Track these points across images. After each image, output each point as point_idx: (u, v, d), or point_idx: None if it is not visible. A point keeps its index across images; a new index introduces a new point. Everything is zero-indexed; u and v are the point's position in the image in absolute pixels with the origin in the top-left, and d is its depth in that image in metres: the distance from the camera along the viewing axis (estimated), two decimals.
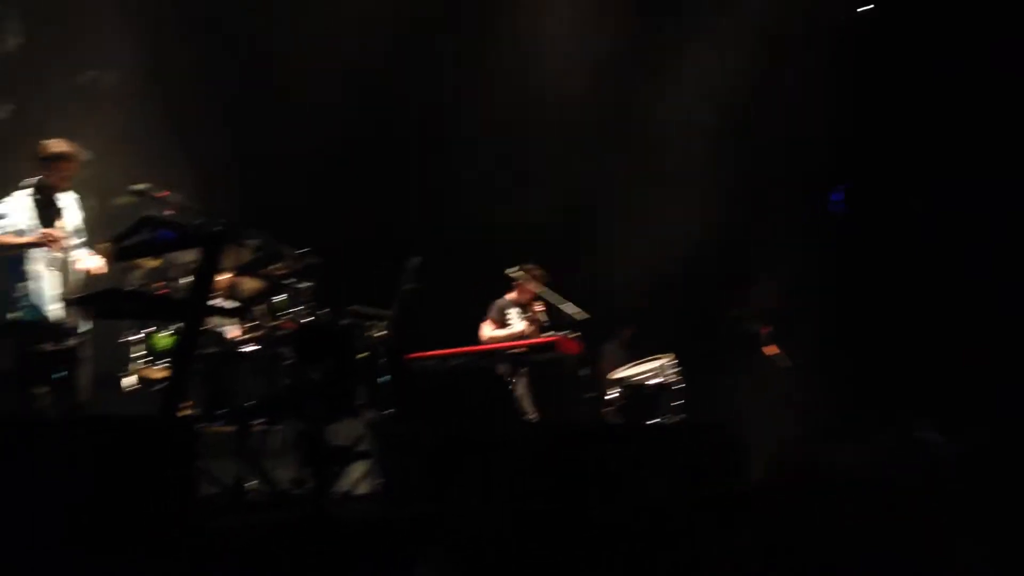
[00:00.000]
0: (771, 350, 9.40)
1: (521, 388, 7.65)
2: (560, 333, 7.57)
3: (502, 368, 7.54)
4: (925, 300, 9.67)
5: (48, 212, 5.63)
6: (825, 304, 10.36)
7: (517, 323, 8.01)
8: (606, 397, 8.68)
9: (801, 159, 10.44)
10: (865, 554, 4.13)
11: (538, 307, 8.09)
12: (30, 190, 5.62)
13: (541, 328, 8.04)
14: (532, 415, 7.58)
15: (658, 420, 8.42)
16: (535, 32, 10.02)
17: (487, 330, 7.95)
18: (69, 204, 5.78)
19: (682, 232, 10.22)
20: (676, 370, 8.71)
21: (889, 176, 10.41)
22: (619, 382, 8.74)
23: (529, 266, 8.14)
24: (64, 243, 5.36)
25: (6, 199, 5.62)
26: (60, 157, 5.59)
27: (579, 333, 7.69)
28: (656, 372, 8.62)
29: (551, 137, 10.20)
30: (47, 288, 5.46)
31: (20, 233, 5.48)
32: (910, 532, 4.26)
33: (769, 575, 4.02)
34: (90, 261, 5.69)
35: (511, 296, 8.12)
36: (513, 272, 8.09)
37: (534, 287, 8.05)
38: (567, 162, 10.35)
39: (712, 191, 10.18)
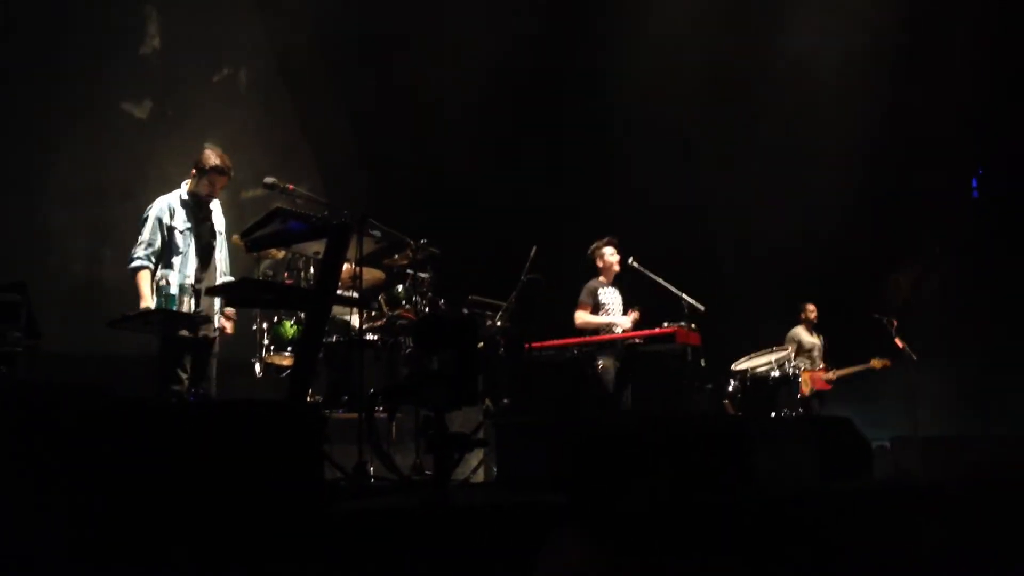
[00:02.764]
0: (900, 343, 9.12)
1: (608, 374, 7.52)
2: (679, 324, 7.45)
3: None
4: None
5: (199, 216, 5.93)
6: (961, 296, 10.00)
7: (616, 312, 7.86)
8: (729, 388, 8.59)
9: (938, 150, 10.05)
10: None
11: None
12: (183, 194, 5.93)
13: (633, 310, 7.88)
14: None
15: (780, 413, 8.30)
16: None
17: (582, 316, 7.81)
18: (216, 209, 6.07)
19: (814, 223, 10.03)
20: (796, 363, 8.57)
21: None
22: (738, 374, 8.63)
23: (606, 241, 8.03)
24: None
25: (161, 198, 5.93)
26: (217, 170, 5.87)
27: (695, 324, 7.57)
28: (776, 364, 8.47)
29: (676, 131, 10.08)
30: (189, 279, 5.74)
31: (171, 230, 5.79)
32: None
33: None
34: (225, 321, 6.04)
35: (600, 278, 7.99)
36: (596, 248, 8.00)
37: (616, 262, 7.94)
38: (697, 152, 10.24)
39: (845, 178, 9.93)
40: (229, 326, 6.07)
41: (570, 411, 7.45)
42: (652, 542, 3.56)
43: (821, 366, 9.41)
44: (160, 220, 5.81)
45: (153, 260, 5.78)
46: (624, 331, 7.62)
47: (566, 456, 4.68)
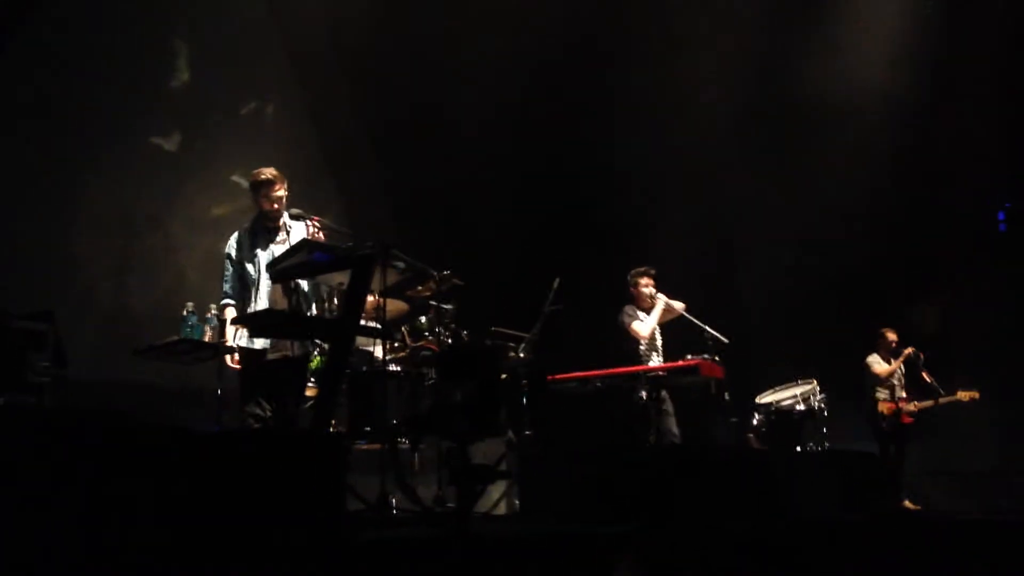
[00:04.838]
0: (928, 377, 8.98)
1: (668, 407, 7.44)
2: (703, 356, 7.41)
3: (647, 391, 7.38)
4: None
5: (265, 237, 5.91)
6: (989, 329, 9.91)
7: (654, 338, 7.85)
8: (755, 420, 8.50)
9: (967, 179, 9.99)
10: None
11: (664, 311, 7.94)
12: (251, 223, 6.01)
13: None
14: (676, 436, 7.39)
15: (805, 447, 8.21)
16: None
17: (640, 325, 7.75)
18: (293, 225, 5.91)
19: (839, 254, 9.97)
20: (822, 396, 8.45)
21: None
22: (762, 407, 8.55)
23: (644, 271, 8.00)
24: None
25: (235, 232, 6.02)
26: (265, 183, 5.91)
27: (719, 357, 7.52)
28: (801, 398, 8.39)
29: (697, 162, 10.07)
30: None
31: (240, 263, 5.85)
32: None
33: None
34: None
35: (633, 306, 7.97)
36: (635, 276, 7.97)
37: (651, 289, 7.90)
38: (715, 181, 10.21)
39: (871, 210, 9.89)
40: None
41: (600, 442, 7.40)
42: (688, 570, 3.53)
43: (902, 395, 9.03)
44: (230, 255, 5.89)
45: (232, 294, 5.84)
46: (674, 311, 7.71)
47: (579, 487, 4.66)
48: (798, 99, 10.04)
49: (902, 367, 9.15)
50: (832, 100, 9.87)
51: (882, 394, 9.01)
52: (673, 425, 7.46)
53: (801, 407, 8.32)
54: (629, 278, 7.97)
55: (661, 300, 7.77)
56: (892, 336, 9.19)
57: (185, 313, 5.60)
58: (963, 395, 8.87)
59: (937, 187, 10.09)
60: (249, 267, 5.86)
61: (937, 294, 10.29)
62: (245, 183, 6.60)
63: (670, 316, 7.88)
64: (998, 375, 9.58)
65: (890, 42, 9.80)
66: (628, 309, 7.85)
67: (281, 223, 5.90)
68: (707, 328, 7.71)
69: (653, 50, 9.92)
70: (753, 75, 9.96)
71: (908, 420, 8.93)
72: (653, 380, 7.29)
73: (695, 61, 9.86)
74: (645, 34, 9.99)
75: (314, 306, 5.88)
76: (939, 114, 9.87)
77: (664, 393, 7.39)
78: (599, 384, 7.44)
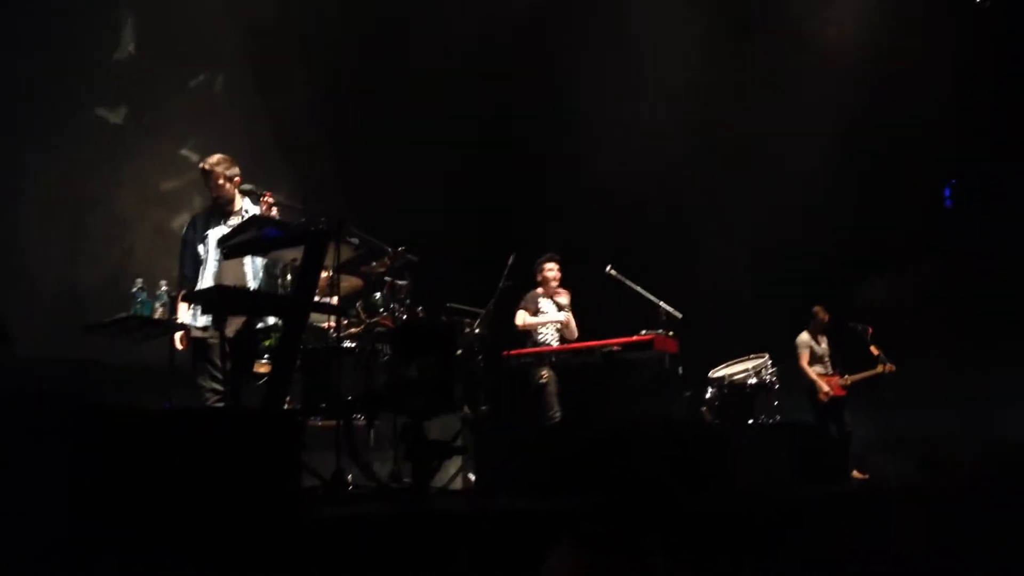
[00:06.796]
0: (875, 351, 9.16)
1: (551, 386, 7.46)
2: (656, 331, 7.48)
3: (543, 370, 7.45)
4: None
5: (218, 219, 5.92)
6: (935, 303, 10.11)
7: (552, 312, 7.90)
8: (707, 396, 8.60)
9: (915, 154, 10.16)
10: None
11: (562, 298, 7.99)
12: (205, 205, 6.02)
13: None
14: (557, 414, 7.39)
15: (757, 420, 8.34)
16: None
17: (521, 317, 7.86)
18: (247, 208, 5.91)
19: (786, 229, 10.10)
20: (773, 370, 8.58)
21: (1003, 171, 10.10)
22: (716, 381, 8.65)
23: (548, 256, 8.07)
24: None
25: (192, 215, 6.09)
26: (203, 174, 5.92)
27: (673, 331, 7.60)
28: (754, 371, 8.50)
29: (652, 132, 10.12)
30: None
31: (192, 243, 5.88)
32: None
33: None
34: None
35: (539, 290, 8.02)
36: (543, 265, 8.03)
37: (554, 277, 7.96)
38: (668, 157, 10.27)
39: (820, 186, 10.02)
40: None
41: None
42: (642, 547, 3.57)
43: (830, 371, 9.27)
44: (184, 238, 5.94)
45: (188, 275, 5.86)
46: (558, 327, 7.82)
47: (548, 464, 4.69)
48: (749, 77, 10.16)
49: (826, 344, 9.36)
50: (782, 76, 10.00)
51: (818, 369, 9.20)
52: (555, 403, 7.47)
53: (753, 380, 8.45)
54: (535, 265, 8.04)
55: (562, 296, 7.93)
56: (823, 316, 9.37)
57: (135, 290, 5.52)
58: (880, 368, 9.16)
59: (884, 164, 10.26)
60: (200, 248, 5.87)
61: (885, 269, 10.50)
62: (194, 157, 6.52)
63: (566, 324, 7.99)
64: (946, 347, 9.81)
65: (839, 18, 9.95)
66: (527, 296, 7.96)
67: (237, 207, 5.87)
68: (661, 303, 7.78)
69: (612, 38, 9.96)
70: (710, 54, 10.06)
71: (843, 392, 9.16)
72: (603, 357, 7.36)
73: (655, 51, 9.93)
74: (608, 23, 10.03)
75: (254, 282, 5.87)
76: (886, 91, 10.03)
77: (549, 373, 7.43)
78: (554, 359, 7.48)
